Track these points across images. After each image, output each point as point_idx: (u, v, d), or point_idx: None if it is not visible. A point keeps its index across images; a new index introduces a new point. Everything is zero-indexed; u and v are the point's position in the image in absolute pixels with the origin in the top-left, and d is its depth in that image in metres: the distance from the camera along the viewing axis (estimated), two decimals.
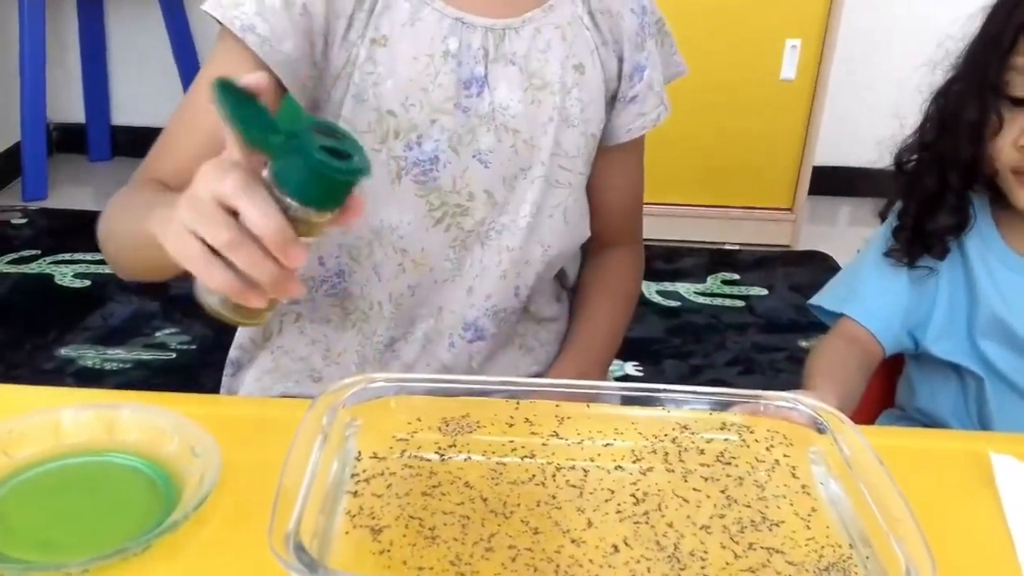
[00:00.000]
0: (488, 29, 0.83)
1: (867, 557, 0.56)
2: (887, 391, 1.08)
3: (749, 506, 0.60)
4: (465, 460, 0.62)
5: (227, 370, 0.96)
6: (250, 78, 0.54)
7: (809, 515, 0.60)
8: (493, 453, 0.63)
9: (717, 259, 2.60)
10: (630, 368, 2.00)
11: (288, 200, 0.53)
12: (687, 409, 0.67)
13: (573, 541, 0.57)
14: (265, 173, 0.54)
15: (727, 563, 0.55)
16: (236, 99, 0.53)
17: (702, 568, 0.55)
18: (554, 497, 0.60)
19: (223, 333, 0.92)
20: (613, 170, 0.95)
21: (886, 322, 0.97)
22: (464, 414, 0.65)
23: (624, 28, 0.89)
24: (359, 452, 0.62)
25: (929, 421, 1.01)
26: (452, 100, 0.83)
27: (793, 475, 0.63)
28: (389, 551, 0.55)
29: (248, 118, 0.53)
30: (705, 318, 2.28)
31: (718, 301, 2.37)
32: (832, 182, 2.84)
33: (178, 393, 0.75)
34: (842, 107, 2.72)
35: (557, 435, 0.65)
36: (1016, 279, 0.94)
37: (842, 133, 2.74)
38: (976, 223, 0.95)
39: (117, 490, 0.63)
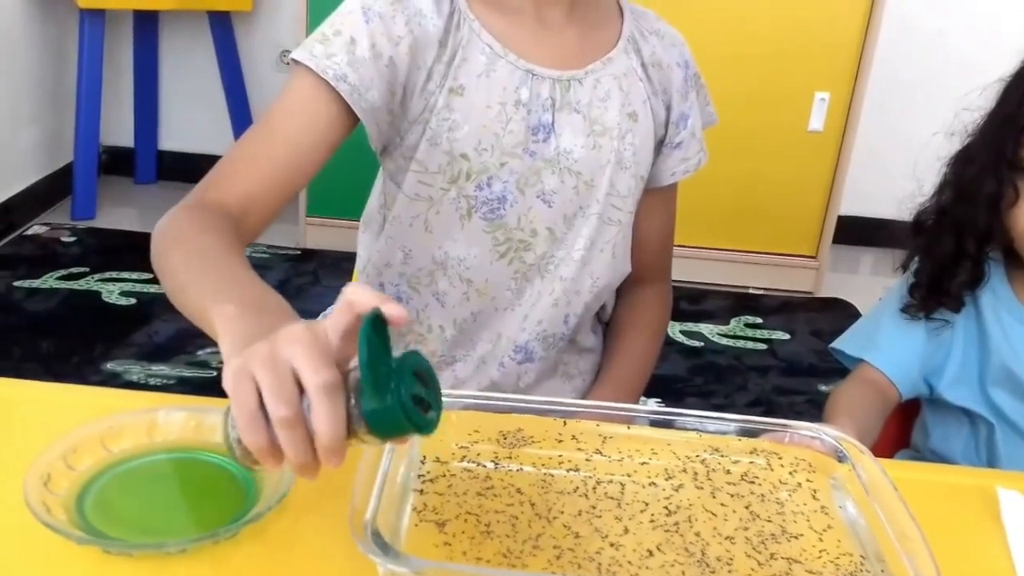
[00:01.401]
0: (556, 80, 0.91)
1: (881, 571, 0.62)
2: (903, 432, 1.14)
3: (770, 520, 0.67)
4: (517, 470, 0.69)
5: None
6: (397, 314, 0.54)
7: (825, 531, 0.66)
8: (542, 465, 0.70)
9: (741, 302, 2.66)
10: (653, 404, 2.06)
11: (359, 420, 0.53)
12: (718, 434, 0.73)
13: (612, 545, 0.63)
14: (351, 379, 0.54)
15: (752, 569, 0.62)
16: (376, 326, 0.53)
17: (729, 572, 0.62)
18: (594, 507, 0.67)
19: None
20: (651, 210, 1.02)
21: (903, 369, 1.03)
22: (518, 428, 0.72)
23: (672, 80, 0.98)
24: (423, 456, 0.69)
25: (941, 461, 1.06)
26: (522, 145, 0.91)
27: (814, 497, 0.69)
28: (450, 543, 0.61)
29: (373, 343, 0.52)
30: (728, 359, 2.34)
31: (741, 343, 2.43)
32: (856, 232, 2.91)
33: None
34: (868, 159, 2.79)
35: (600, 452, 0.72)
36: None
37: (867, 184, 2.81)
38: (990, 279, 1.01)
39: (205, 483, 0.70)
